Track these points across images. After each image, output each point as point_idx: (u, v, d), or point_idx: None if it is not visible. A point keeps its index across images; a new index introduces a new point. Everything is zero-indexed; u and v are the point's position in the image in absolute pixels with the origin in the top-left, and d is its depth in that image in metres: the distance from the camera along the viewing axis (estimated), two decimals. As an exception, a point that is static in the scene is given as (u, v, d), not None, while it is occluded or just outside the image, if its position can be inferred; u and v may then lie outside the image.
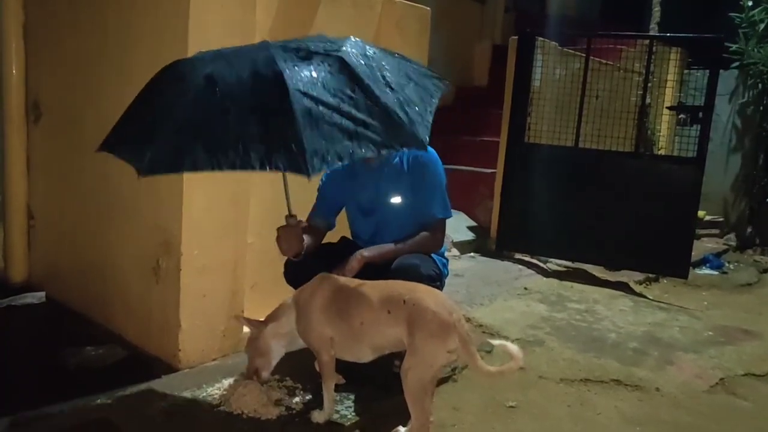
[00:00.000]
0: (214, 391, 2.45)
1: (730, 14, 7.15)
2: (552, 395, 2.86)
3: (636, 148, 5.10)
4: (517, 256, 5.33)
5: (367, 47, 2.08)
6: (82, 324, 3.15)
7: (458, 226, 5.54)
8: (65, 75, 3.33)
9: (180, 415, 2.30)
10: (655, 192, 4.80)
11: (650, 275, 5.13)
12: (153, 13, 2.70)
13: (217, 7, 2.58)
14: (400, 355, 2.20)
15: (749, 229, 7.22)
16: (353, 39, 2.09)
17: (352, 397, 2.48)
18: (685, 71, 6.69)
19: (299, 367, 2.54)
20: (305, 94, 1.82)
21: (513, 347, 2.10)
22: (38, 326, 3.24)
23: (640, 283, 5.00)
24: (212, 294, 2.73)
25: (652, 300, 4.63)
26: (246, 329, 2.41)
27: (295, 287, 2.42)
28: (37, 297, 3.54)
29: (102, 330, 3.05)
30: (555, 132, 5.15)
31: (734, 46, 6.97)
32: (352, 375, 2.50)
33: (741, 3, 7.09)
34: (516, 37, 5.29)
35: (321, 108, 1.81)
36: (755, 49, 6.96)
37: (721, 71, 5.02)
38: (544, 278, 4.89)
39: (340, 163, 1.82)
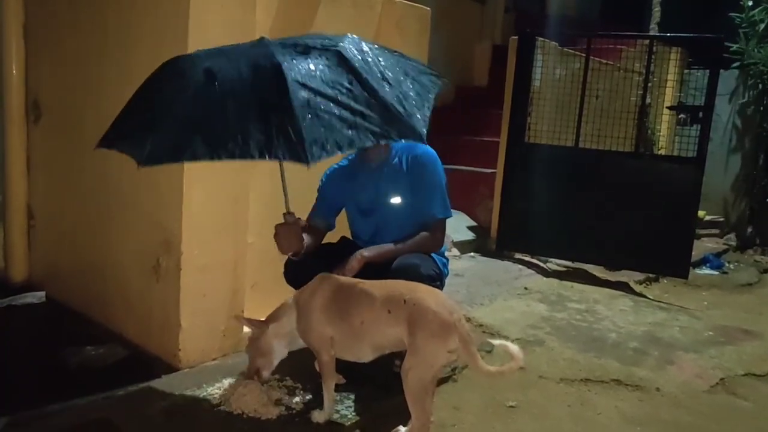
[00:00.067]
0: (215, 390, 2.45)
1: (730, 14, 7.16)
2: (552, 395, 2.86)
3: (636, 148, 5.10)
4: (518, 255, 5.33)
5: (365, 44, 2.10)
6: (83, 323, 3.15)
7: (458, 226, 5.54)
8: (65, 75, 3.33)
9: (180, 414, 2.30)
10: (655, 192, 4.80)
11: (650, 275, 5.13)
12: (153, 13, 2.70)
13: (217, 7, 2.59)
14: (400, 355, 2.20)
15: (749, 229, 7.22)
16: (351, 36, 2.10)
17: (353, 396, 2.48)
18: (686, 71, 6.69)
19: (299, 367, 2.54)
20: (303, 85, 1.84)
21: (513, 347, 2.10)
22: (38, 326, 3.24)
23: (640, 283, 5.00)
24: (212, 293, 2.73)
25: (653, 300, 4.63)
26: (246, 329, 2.41)
27: (295, 287, 2.42)
28: (37, 297, 3.54)
29: (102, 329, 3.05)
30: (555, 132, 5.15)
31: (735, 46, 6.97)
32: (353, 375, 2.50)
33: (741, 3, 7.09)
34: (516, 37, 5.29)
35: (319, 99, 1.83)
36: (756, 49, 6.96)
37: (721, 71, 5.02)
38: (545, 278, 4.89)
39: (339, 152, 1.82)
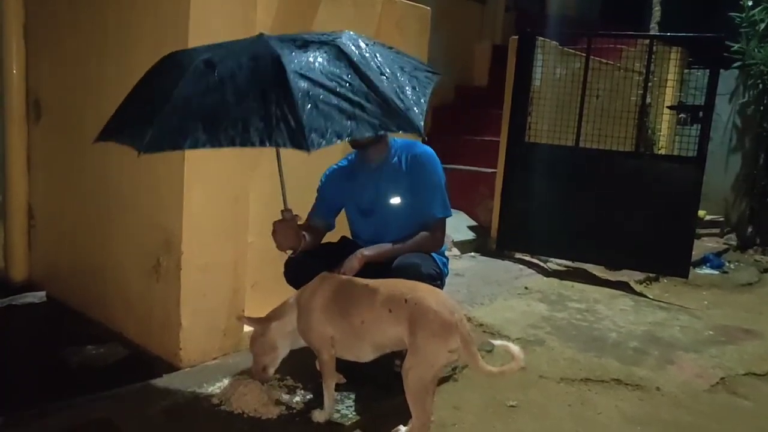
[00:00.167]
0: (215, 390, 2.45)
1: (730, 14, 7.15)
2: (552, 395, 2.86)
3: (636, 148, 5.10)
4: (518, 255, 5.33)
5: (362, 40, 2.11)
6: (83, 323, 3.16)
7: (459, 226, 5.54)
8: (66, 74, 3.34)
9: (181, 414, 2.30)
10: (655, 191, 4.80)
11: (651, 275, 5.13)
12: (153, 13, 2.71)
13: (217, 6, 2.59)
14: (400, 355, 2.20)
15: (750, 229, 7.22)
16: (349, 32, 2.12)
17: (353, 396, 2.48)
18: (686, 71, 6.69)
19: (300, 367, 2.54)
20: (303, 76, 1.85)
21: (514, 348, 2.10)
22: (39, 325, 3.24)
23: (640, 282, 5.00)
24: (213, 293, 2.73)
25: (653, 299, 4.63)
26: (247, 328, 2.41)
27: (295, 286, 2.42)
28: (37, 296, 3.55)
29: (103, 329, 3.05)
30: (555, 132, 5.15)
31: (736, 46, 6.97)
32: (353, 374, 2.50)
33: (741, 3, 7.09)
34: (516, 36, 5.29)
35: (319, 89, 1.85)
36: (756, 49, 6.96)
37: (721, 71, 5.02)
38: (545, 278, 4.90)
39: (338, 141, 1.83)
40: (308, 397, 2.44)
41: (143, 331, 2.85)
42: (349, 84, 1.91)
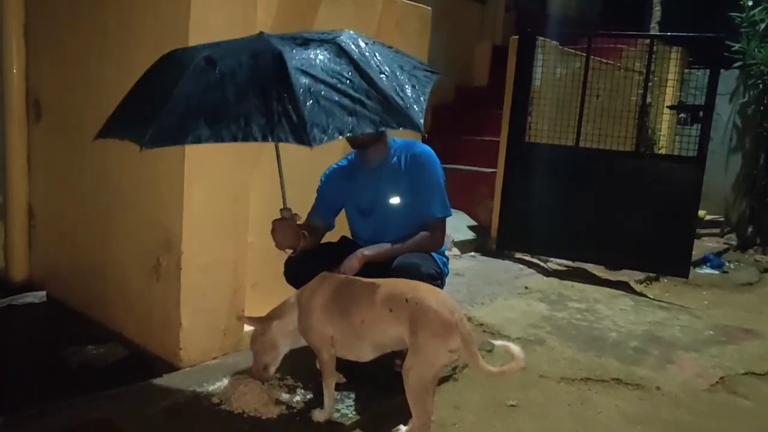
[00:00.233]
0: (215, 389, 2.45)
1: (731, 14, 7.15)
2: (553, 394, 2.86)
3: (636, 148, 5.10)
4: (518, 255, 5.33)
5: (362, 39, 2.12)
6: (83, 323, 3.16)
7: (459, 226, 5.54)
8: (66, 74, 3.34)
9: (181, 414, 2.30)
10: (655, 191, 4.80)
11: (651, 274, 5.13)
12: (153, 13, 2.71)
13: (217, 6, 2.59)
14: (401, 354, 2.21)
15: (750, 229, 7.22)
16: (348, 31, 2.13)
17: (353, 396, 2.48)
18: (686, 70, 6.69)
19: (300, 366, 2.54)
20: (304, 72, 1.86)
21: (515, 348, 2.10)
22: (39, 325, 3.24)
23: (640, 282, 5.00)
24: (213, 292, 2.73)
25: (653, 299, 4.63)
26: (248, 327, 2.41)
27: (295, 286, 2.42)
28: (38, 296, 3.55)
29: (103, 329, 3.05)
30: (555, 131, 5.15)
31: (736, 46, 6.97)
32: (353, 374, 2.50)
33: (741, 3, 7.08)
34: (516, 36, 5.29)
35: (320, 86, 1.86)
36: (756, 49, 6.96)
37: (721, 71, 5.02)
38: (545, 277, 4.90)
39: (339, 136, 1.84)
40: (308, 396, 2.44)
41: (143, 331, 2.85)
42: (350, 81, 1.92)
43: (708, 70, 4.79)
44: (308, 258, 2.47)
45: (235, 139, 1.79)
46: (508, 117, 5.29)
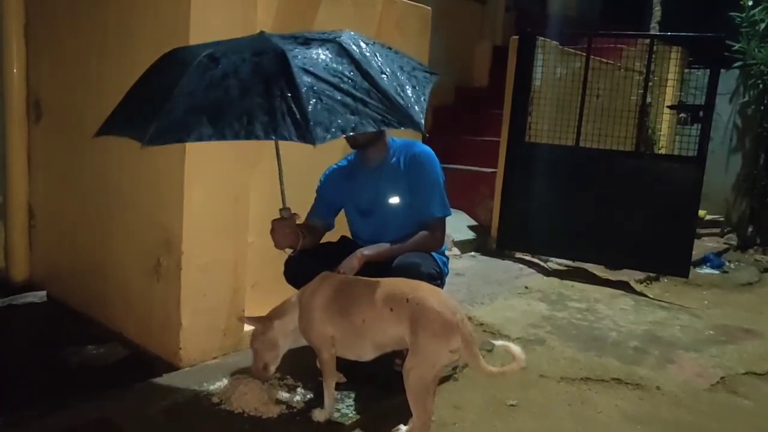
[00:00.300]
0: (215, 389, 2.45)
1: (731, 14, 7.15)
2: (553, 394, 2.86)
3: (636, 148, 5.09)
4: (518, 255, 5.33)
5: (362, 39, 2.13)
6: (83, 323, 3.16)
7: (459, 226, 5.55)
8: (66, 74, 3.34)
9: (181, 413, 2.30)
10: (655, 191, 4.80)
11: (651, 274, 5.13)
12: (153, 13, 2.71)
13: (218, 6, 2.59)
14: (401, 354, 2.21)
15: (750, 229, 7.21)
16: (349, 31, 2.14)
17: (353, 395, 2.48)
18: (686, 70, 6.69)
19: (300, 366, 2.55)
20: (307, 71, 1.87)
21: (515, 348, 2.10)
22: (39, 325, 3.24)
23: (640, 282, 5.00)
24: (213, 292, 2.73)
25: (653, 299, 4.62)
26: (248, 327, 2.41)
27: (295, 286, 2.43)
28: (38, 296, 3.55)
29: (103, 329, 3.05)
30: (555, 131, 5.15)
31: (736, 46, 6.97)
32: (354, 373, 2.50)
33: (741, 2, 7.08)
34: (516, 36, 5.29)
35: (323, 85, 1.86)
36: (756, 49, 6.96)
37: (721, 71, 5.01)
38: (545, 277, 4.90)
39: (342, 135, 1.85)
40: (308, 396, 2.44)
41: (143, 331, 2.85)
42: (351, 80, 1.92)
43: (708, 70, 4.79)
44: (308, 258, 2.47)
45: (237, 137, 1.79)
46: (508, 117, 5.29)
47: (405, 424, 2.22)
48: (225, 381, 2.50)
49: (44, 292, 3.56)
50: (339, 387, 2.36)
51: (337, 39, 2.04)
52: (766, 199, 7.13)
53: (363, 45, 2.09)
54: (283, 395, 2.43)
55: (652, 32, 6.08)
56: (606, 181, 4.94)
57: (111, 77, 2.94)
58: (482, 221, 5.71)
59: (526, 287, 4.52)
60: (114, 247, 3.06)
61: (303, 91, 1.80)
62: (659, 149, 6.38)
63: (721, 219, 7.31)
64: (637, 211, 4.85)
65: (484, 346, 2.96)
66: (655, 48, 5.20)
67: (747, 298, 5.04)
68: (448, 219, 2.64)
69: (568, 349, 3.38)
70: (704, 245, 6.52)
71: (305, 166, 2.57)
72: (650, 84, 5.15)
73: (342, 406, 2.39)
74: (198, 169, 2.59)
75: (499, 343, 2.25)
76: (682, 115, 6.74)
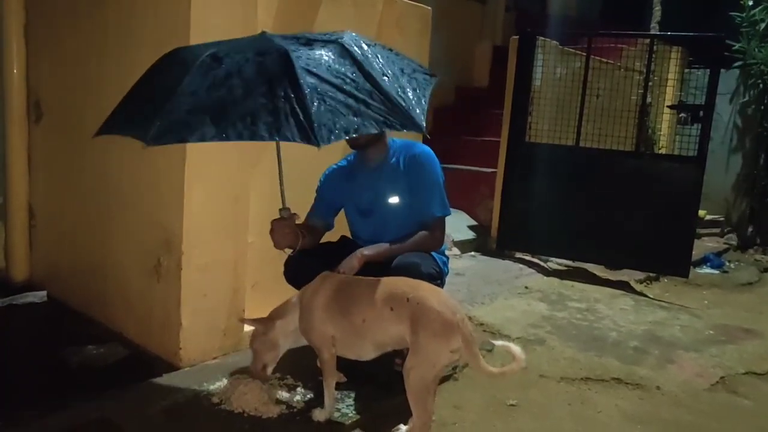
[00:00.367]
0: (215, 389, 2.45)
1: (731, 13, 7.15)
2: (553, 394, 2.86)
3: (637, 147, 5.09)
4: (518, 255, 5.33)
5: (363, 41, 2.14)
6: (84, 323, 3.16)
7: (459, 226, 5.55)
8: (66, 75, 3.34)
9: (181, 413, 2.30)
10: (655, 191, 4.80)
11: (651, 274, 5.13)
12: (153, 13, 2.71)
13: (218, 6, 2.59)
14: (401, 354, 2.21)
15: (750, 229, 7.21)
16: (350, 33, 2.15)
17: (353, 395, 2.48)
18: (686, 70, 6.69)
19: (300, 366, 2.55)
20: (310, 72, 1.87)
21: (516, 348, 2.10)
22: (39, 325, 3.24)
23: (640, 282, 5.00)
24: (213, 293, 2.73)
25: (653, 299, 4.62)
26: (248, 327, 2.41)
27: (295, 286, 2.43)
28: (38, 296, 3.55)
29: (103, 329, 3.05)
30: (556, 131, 5.15)
31: (736, 46, 6.97)
32: (354, 373, 2.50)
33: (741, 2, 7.08)
34: (517, 36, 5.29)
35: (326, 86, 1.87)
36: (757, 49, 6.95)
37: (722, 71, 5.01)
38: (545, 277, 4.90)
39: (345, 137, 1.86)
40: (308, 395, 2.44)
41: (143, 331, 2.86)
42: (354, 81, 1.93)
43: (708, 70, 4.79)
44: (308, 258, 2.47)
45: (240, 137, 1.78)
46: (508, 117, 5.29)
47: (405, 424, 2.22)
48: (225, 381, 2.50)
49: (44, 292, 3.56)
50: (339, 387, 2.36)
51: (339, 40, 2.05)
52: (766, 199, 7.13)
53: (364, 46, 2.09)
54: (283, 395, 2.43)
55: (652, 32, 6.08)
56: (606, 181, 4.93)
57: (111, 77, 2.94)
58: (482, 221, 5.71)
59: (526, 287, 4.52)
60: (114, 247, 3.06)
61: (307, 92, 1.80)
62: (659, 149, 6.37)
63: (721, 219, 7.31)
64: (637, 211, 4.85)
65: (484, 346, 2.96)
66: (655, 48, 5.20)
67: (747, 298, 5.04)
68: (448, 219, 2.64)
69: (568, 349, 3.38)
70: (704, 245, 6.52)
71: (305, 166, 2.57)
72: (650, 84, 5.15)
73: (342, 406, 2.39)
74: (198, 169, 2.59)
75: (499, 343, 2.25)
76: (682, 114, 6.74)
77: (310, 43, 2.01)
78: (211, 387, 2.47)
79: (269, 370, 2.30)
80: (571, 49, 5.53)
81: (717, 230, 7.22)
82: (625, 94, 5.33)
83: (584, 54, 5.02)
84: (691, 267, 5.08)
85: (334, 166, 2.76)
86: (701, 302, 4.72)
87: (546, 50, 5.23)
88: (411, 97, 2.05)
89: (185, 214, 2.59)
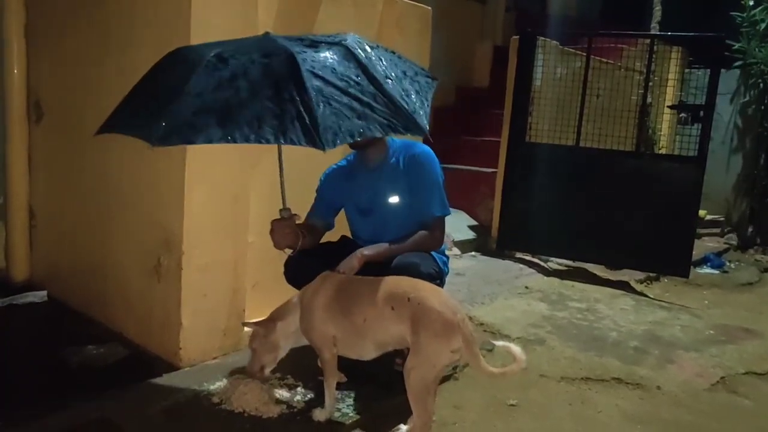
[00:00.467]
0: (216, 389, 2.45)
1: (731, 13, 7.14)
2: (553, 394, 2.86)
3: (637, 148, 5.09)
4: (518, 255, 5.33)
5: (366, 43, 2.14)
6: (84, 323, 3.16)
7: (459, 225, 5.54)
8: (66, 75, 3.34)
9: (181, 413, 2.30)
10: (656, 191, 4.79)
11: (651, 274, 5.12)
12: (154, 12, 2.71)
13: (218, 6, 2.59)
14: (401, 354, 2.21)
15: (750, 229, 7.21)
16: (353, 35, 2.15)
17: (354, 395, 2.48)
18: (686, 70, 6.68)
19: (300, 365, 2.55)
20: (315, 74, 1.87)
21: (516, 348, 2.10)
22: (39, 325, 3.24)
23: (641, 282, 5.00)
24: (213, 293, 2.73)
25: (653, 299, 4.62)
26: (247, 327, 2.41)
27: (295, 286, 2.43)
28: (38, 296, 3.55)
29: (103, 329, 3.05)
30: (556, 131, 5.15)
31: (736, 45, 6.96)
32: (354, 373, 2.50)
33: (742, 2, 7.07)
34: (517, 36, 5.29)
35: (331, 89, 1.87)
36: (757, 49, 6.95)
37: (722, 71, 5.01)
38: (545, 277, 4.89)
39: (350, 140, 1.86)
40: (309, 395, 2.44)
41: (143, 331, 2.86)
42: (358, 84, 1.93)
43: (708, 70, 4.78)
44: (308, 258, 2.47)
45: (247, 140, 1.78)
46: (508, 117, 5.29)
47: (405, 424, 2.22)
48: (225, 381, 2.50)
49: (44, 292, 3.56)
50: (339, 386, 2.36)
51: (343, 42, 2.05)
52: (766, 199, 7.13)
53: (368, 49, 2.09)
54: (284, 395, 2.43)
55: (652, 32, 6.07)
56: (606, 181, 4.93)
57: (111, 77, 2.94)
58: (482, 221, 5.71)
59: (527, 287, 4.52)
60: (114, 247, 3.06)
61: (312, 95, 1.80)
62: (659, 149, 6.37)
63: (722, 219, 7.31)
64: (637, 211, 4.84)
65: (484, 346, 2.96)
66: (655, 48, 5.20)
67: (747, 298, 5.04)
68: (448, 219, 2.64)
69: (568, 349, 3.38)
70: (704, 245, 6.51)
71: (305, 166, 2.57)
72: (650, 84, 5.15)
73: (342, 406, 2.39)
74: (198, 169, 2.59)
75: (499, 343, 2.25)
76: (682, 115, 6.73)
77: (314, 45, 2.01)
78: (212, 387, 2.47)
79: (267, 371, 2.29)
80: (571, 49, 5.53)
81: (717, 230, 7.21)
82: (625, 94, 5.33)
83: (584, 54, 5.02)
84: (692, 267, 5.07)
85: (334, 166, 2.76)
86: (701, 302, 4.71)
87: (546, 50, 5.23)
88: (414, 100, 2.06)
89: (185, 214, 2.59)
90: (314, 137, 1.74)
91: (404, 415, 2.17)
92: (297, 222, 2.40)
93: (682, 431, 2.64)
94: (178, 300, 2.62)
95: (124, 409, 2.28)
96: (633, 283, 4.89)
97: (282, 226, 2.34)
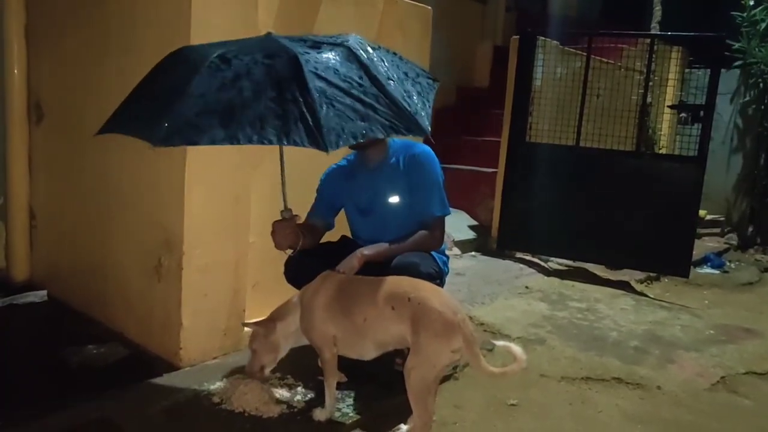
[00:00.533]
0: (216, 389, 2.45)
1: (732, 13, 7.15)
2: (553, 393, 2.86)
3: (637, 147, 5.08)
4: (518, 255, 5.33)
5: (368, 44, 2.14)
6: (84, 323, 3.16)
7: (459, 225, 5.54)
8: (67, 75, 3.34)
9: (181, 413, 2.30)
10: (656, 191, 4.79)
11: (651, 274, 5.12)
12: (154, 13, 2.71)
13: (219, 6, 2.59)
14: (402, 353, 2.21)
15: (750, 229, 7.22)
16: (355, 36, 2.15)
17: (354, 395, 2.48)
18: (686, 70, 6.69)
19: (301, 365, 2.55)
20: (318, 76, 1.87)
21: (516, 348, 2.10)
22: (40, 325, 3.25)
23: (641, 282, 5.00)
24: (214, 293, 2.73)
25: (654, 299, 4.62)
26: (247, 327, 2.41)
27: (296, 286, 2.43)
28: (38, 296, 3.55)
29: (103, 329, 3.05)
30: (556, 131, 5.15)
31: (737, 45, 6.96)
32: (354, 373, 2.50)
33: (742, 2, 7.08)
34: (517, 36, 5.29)
35: (334, 90, 1.87)
36: (757, 49, 6.95)
37: (722, 71, 5.01)
38: (545, 277, 4.90)
39: (353, 141, 1.86)
40: (309, 395, 2.45)
41: (144, 331, 2.86)
42: (361, 86, 1.93)
43: (708, 70, 4.78)
44: (308, 258, 2.47)
45: (250, 141, 1.78)
46: (509, 117, 5.29)
47: (406, 424, 2.22)
48: (225, 381, 2.50)
49: (45, 292, 3.56)
50: (340, 386, 2.36)
51: (345, 43, 2.05)
52: (766, 198, 7.14)
53: (369, 50, 2.10)
54: (284, 394, 2.43)
55: (652, 32, 6.07)
56: (606, 181, 4.93)
57: (111, 78, 2.94)
58: (483, 221, 5.71)
59: (527, 287, 4.52)
60: (114, 247, 3.06)
61: (315, 96, 1.80)
62: (660, 149, 6.37)
63: (722, 219, 7.31)
64: (637, 211, 4.84)
65: (484, 345, 2.96)
66: (655, 48, 5.20)
67: (747, 297, 5.04)
68: (448, 219, 2.64)
69: (568, 349, 3.38)
70: (705, 245, 6.51)
71: (305, 166, 2.57)
72: (651, 84, 5.15)
73: (343, 406, 2.39)
74: (199, 170, 2.59)
75: (500, 343, 2.25)
76: (682, 114, 6.73)
77: (317, 45, 2.01)
78: (212, 387, 2.47)
79: (267, 371, 2.29)
80: (571, 49, 5.53)
81: (717, 230, 7.22)
82: (625, 94, 5.33)
83: (584, 54, 5.02)
84: (692, 267, 5.07)
85: (335, 166, 2.76)
86: (702, 302, 4.71)
87: (546, 50, 5.23)
88: (416, 101, 2.06)
89: (186, 215, 2.59)
90: (317, 138, 1.74)
91: (404, 415, 2.17)
92: (297, 222, 2.40)
93: (682, 431, 2.64)
94: (178, 300, 2.62)
95: (124, 409, 2.28)
96: (633, 283, 4.89)
97: (283, 227, 2.34)
